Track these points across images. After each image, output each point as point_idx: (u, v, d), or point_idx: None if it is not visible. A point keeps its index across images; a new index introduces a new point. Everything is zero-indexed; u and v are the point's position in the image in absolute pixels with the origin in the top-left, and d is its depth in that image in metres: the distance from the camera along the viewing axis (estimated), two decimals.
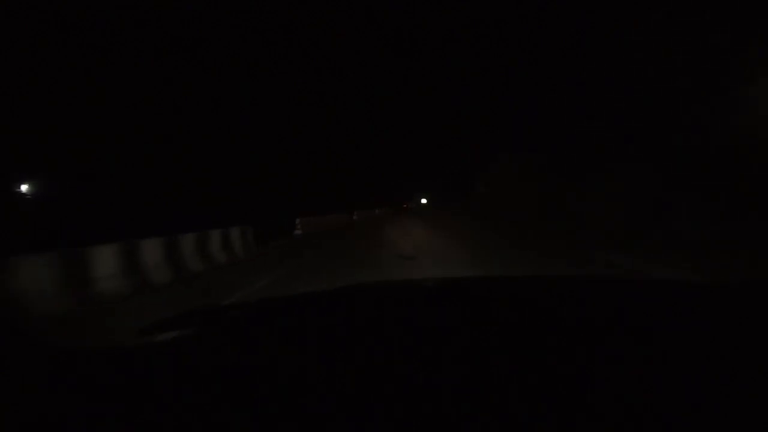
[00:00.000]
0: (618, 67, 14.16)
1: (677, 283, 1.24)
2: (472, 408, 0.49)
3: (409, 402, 0.50)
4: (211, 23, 38.18)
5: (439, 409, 0.49)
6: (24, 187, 20.92)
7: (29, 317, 3.89)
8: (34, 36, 20.85)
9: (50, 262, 4.40)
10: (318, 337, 0.71)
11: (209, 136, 27.94)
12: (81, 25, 22.76)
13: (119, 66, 24.95)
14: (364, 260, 7.45)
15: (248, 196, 29.47)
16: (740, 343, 0.64)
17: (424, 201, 78.64)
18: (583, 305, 0.92)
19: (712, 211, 10.45)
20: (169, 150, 25.08)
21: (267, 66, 46.12)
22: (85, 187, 21.83)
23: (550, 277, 1.34)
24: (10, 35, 19.29)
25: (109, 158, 22.44)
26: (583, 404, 0.49)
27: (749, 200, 9.76)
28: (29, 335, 3.37)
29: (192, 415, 0.50)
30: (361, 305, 1.03)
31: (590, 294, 1.03)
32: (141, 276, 5.64)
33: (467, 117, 36.38)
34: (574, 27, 16.95)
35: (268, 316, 0.85)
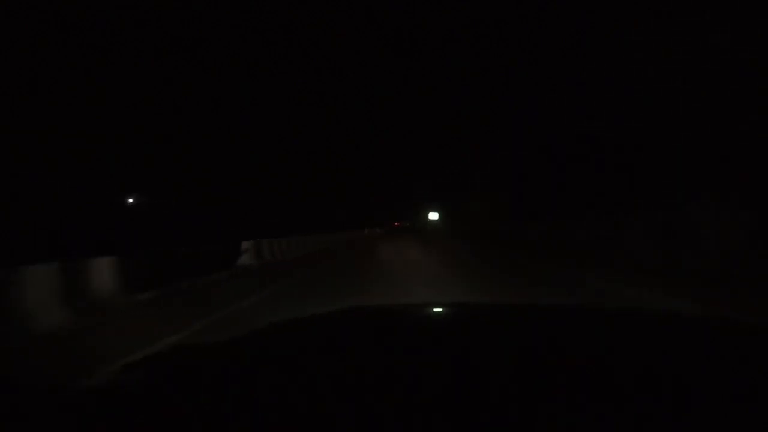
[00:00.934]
0: (618, 67, 14.16)
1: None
2: None
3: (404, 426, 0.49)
4: (211, 23, 38.20)
5: None
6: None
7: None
8: (34, 36, 20.86)
9: (52, 272, 4.42)
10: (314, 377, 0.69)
11: (209, 136, 27.96)
12: (81, 25, 22.77)
13: (119, 66, 24.97)
14: None
15: (248, 198, 29.49)
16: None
17: (434, 217, 60.86)
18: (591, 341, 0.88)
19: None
20: (169, 150, 25.09)
21: (267, 66, 46.13)
22: (85, 188, 21.84)
23: (550, 306, 1.24)
24: (10, 35, 19.29)
25: (109, 158, 22.45)
26: None
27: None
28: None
29: None
30: (358, 330, 1.01)
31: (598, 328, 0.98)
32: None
33: (467, 117, 36.38)
34: (574, 27, 16.95)
35: (257, 355, 0.83)
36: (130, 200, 26.32)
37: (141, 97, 24.42)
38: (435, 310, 1.34)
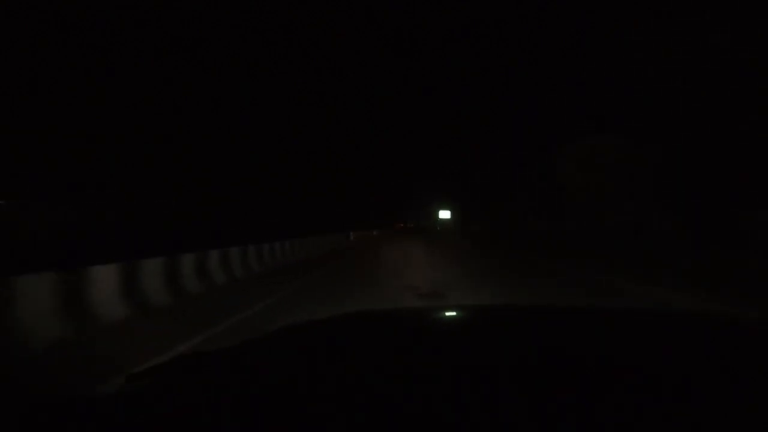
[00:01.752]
0: (618, 67, 14.16)
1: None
2: None
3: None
4: (211, 23, 38.17)
5: None
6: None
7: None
8: (34, 36, 20.85)
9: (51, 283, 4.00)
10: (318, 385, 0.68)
11: (209, 136, 27.94)
12: (81, 25, 22.75)
13: (119, 66, 24.94)
14: None
15: (248, 198, 29.48)
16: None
17: (445, 215, 55.04)
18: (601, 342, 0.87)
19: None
20: (169, 150, 25.08)
21: (267, 66, 46.11)
22: (85, 187, 21.83)
23: (552, 308, 1.22)
24: (10, 35, 19.28)
25: (109, 158, 22.43)
26: None
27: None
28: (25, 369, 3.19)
29: None
30: (361, 334, 1.00)
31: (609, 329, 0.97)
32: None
33: (467, 117, 36.37)
34: (574, 27, 16.95)
35: (258, 366, 0.82)
36: None
37: (141, 97, 24.41)
38: (437, 313, 1.32)
